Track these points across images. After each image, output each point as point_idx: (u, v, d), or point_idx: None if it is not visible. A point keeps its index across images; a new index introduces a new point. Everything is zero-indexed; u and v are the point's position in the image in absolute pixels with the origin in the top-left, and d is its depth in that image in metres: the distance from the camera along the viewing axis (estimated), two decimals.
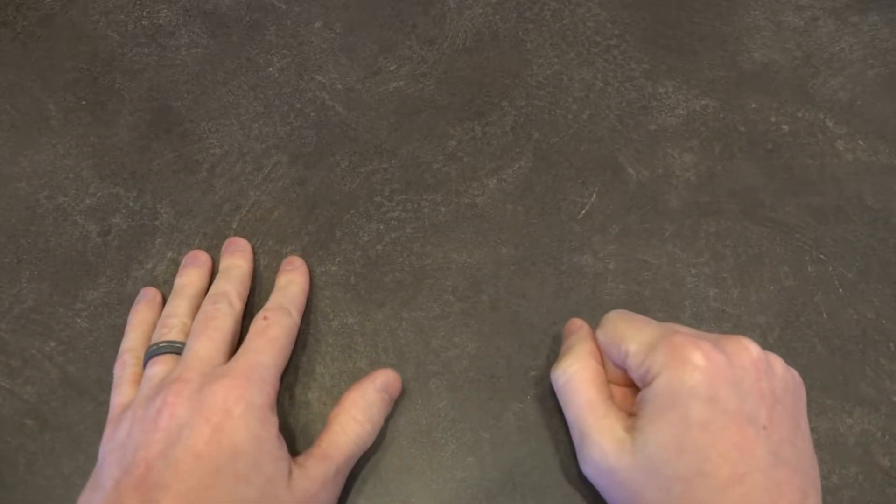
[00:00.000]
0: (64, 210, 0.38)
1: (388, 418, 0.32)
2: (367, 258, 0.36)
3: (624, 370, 0.29)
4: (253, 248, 0.36)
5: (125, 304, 0.35)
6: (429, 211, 0.38)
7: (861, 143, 0.39)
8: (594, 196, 0.38)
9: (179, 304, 0.33)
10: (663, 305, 0.35)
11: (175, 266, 0.36)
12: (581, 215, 0.37)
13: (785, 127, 0.40)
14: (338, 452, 0.29)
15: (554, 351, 0.34)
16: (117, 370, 0.32)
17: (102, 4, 0.45)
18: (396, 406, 0.33)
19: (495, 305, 0.35)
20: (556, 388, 0.30)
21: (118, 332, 0.34)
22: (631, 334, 0.28)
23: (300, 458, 0.28)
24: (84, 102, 0.41)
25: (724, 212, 0.37)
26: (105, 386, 0.33)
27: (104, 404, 0.33)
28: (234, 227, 0.37)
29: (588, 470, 0.28)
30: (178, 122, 0.41)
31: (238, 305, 0.33)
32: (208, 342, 0.30)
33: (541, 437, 0.32)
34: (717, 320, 0.34)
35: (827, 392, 0.33)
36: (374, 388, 0.31)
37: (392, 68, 0.42)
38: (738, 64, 0.42)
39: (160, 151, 0.40)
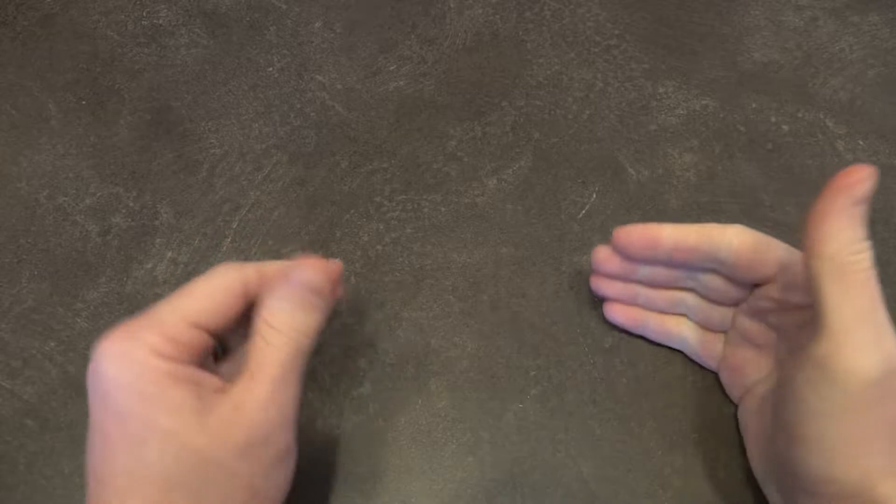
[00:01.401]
0: (64, 210, 0.38)
1: (388, 418, 0.32)
2: (367, 258, 0.36)
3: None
4: (252, 248, 0.36)
5: (125, 304, 0.35)
6: (429, 211, 0.38)
7: (861, 143, 0.39)
8: (594, 196, 0.38)
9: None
10: None
11: (175, 266, 0.36)
12: (581, 215, 0.37)
13: (785, 127, 0.40)
14: (263, 368, 0.24)
15: (554, 351, 0.34)
16: None
17: (102, 4, 0.45)
18: (396, 406, 0.33)
19: (495, 305, 0.35)
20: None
21: None
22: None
23: (227, 386, 0.24)
24: (84, 102, 0.41)
25: (724, 212, 0.37)
26: None
27: None
28: (234, 226, 0.37)
29: (870, 362, 0.22)
30: (178, 122, 0.41)
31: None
32: None
33: (541, 437, 0.32)
34: None
35: None
36: (289, 286, 0.25)
37: (392, 68, 0.42)
38: (738, 64, 0.42)
39: (160, 151, 0.40)
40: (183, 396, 0.22)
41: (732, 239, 0.28)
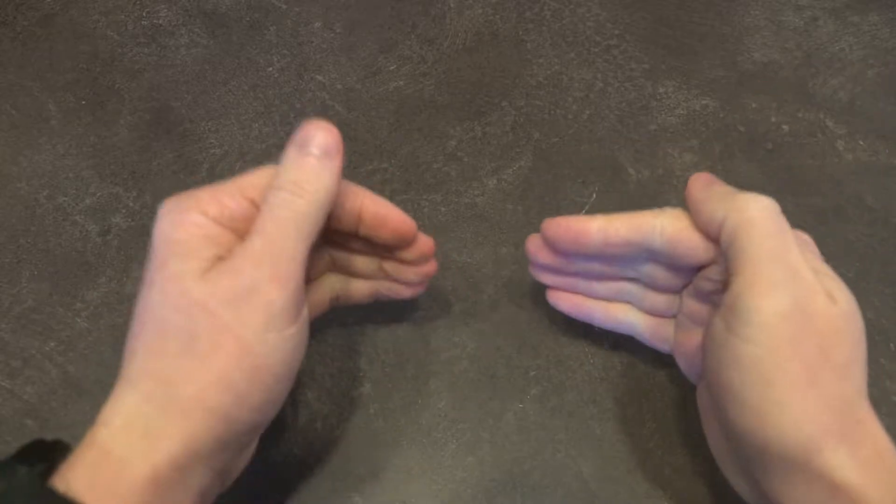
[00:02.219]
0: (64, 210, 0.38)
1: (388, 418, 0.32)
2: None
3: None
4: None
5: (125, 303, 0.35)
6: (429, 211, 0.38)
7: (861, 143, 0.39)
8: (594, 196, 0.38)
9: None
10: None
11: None
12: (581, 215, 0.37)
13: (785, 127, 0.40)
14: (260, 224, 0.24)
15: (554, 351, 0.34)
16: None
17: (102, 4, 0.45)
18: (396, 406, 0.32)
19: (495, 305, 0.35)
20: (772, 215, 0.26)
21: (118, 332, 0.34)
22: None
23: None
24: (84, 102, 0.41)
25: None
26: (105, 386, 0.33)
27: (104, 404, 0.33)
28: None
29: (783, 299, 0.23)
30: (178, 122, 0.41)
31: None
32: None
33: (541, 437, 0.32)
34: None
35: None
36: (295, 151, 0.25)
37: (392, 68, 0.42)
38: (738, 64, 0.42)
39: (160, 151, 0.40)
40: (199, 248, 0.23)
41: (665, 227, 0.27)
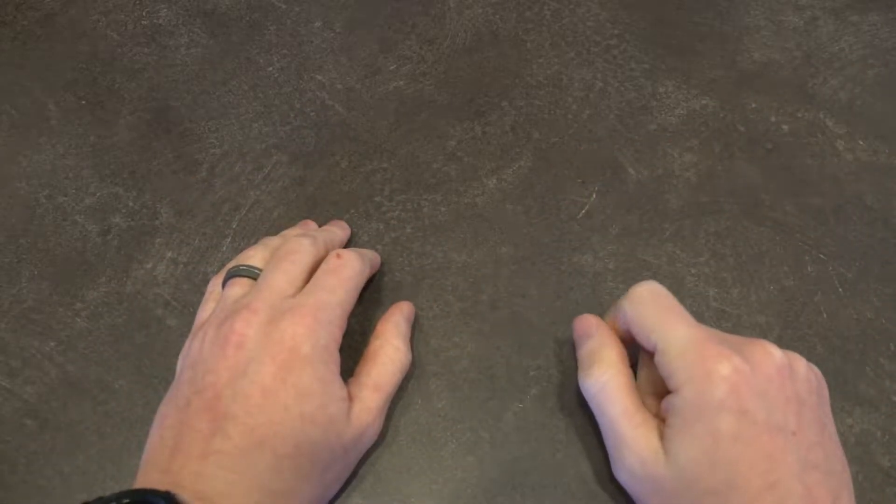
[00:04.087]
0: (64, 210, 0.38)
1: (388, 418, 0.32)
2: None
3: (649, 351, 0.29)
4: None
5: (125, 303, 0.35)
6: (429, 211, 0.38)
7: (861, 143, 0.39)
8: (594, 196, 0.38)
9: (272, 240, 0.34)
10: None
11: (175, 266, 0.36)
12: (581, 215, 0.37)
13: (785, 127, 0.40)
14: (388, 382, 0.31)
15: (554, 351, 0.34)
16: (210, 286, 0.33)
17: (102, 4, 0.45)
18: (396, 406, 0.33)
19: (495, 305, 0.35)
20: (587, 396, 0.30)
21: (118, 332, 0.34)
22: (660, 330, 0.27)
23: (353, 390, 0.29)
24: (84, 102, 0.41)
25: (724, 212, 0.37)
26: (105, 386, 0.33)
27: (104, 404, 0.33)
28: (234, 226, 0.37)
29: (623, 477, 0.28)
30: (178, 122, 0.41)
31: (321, 248, 0.32)
32: (283, 274, 0.30)
33: (541, 437, 0.32)
34: (717, 320, 0.34)
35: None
36: (403, 318, 0.33)
37: (392, 68, 0.42)
38: (738, 64, 0.42)
39: (160, 151, 0.40)
40: (342, 387, 0.28)
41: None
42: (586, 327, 0.31)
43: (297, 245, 0.31)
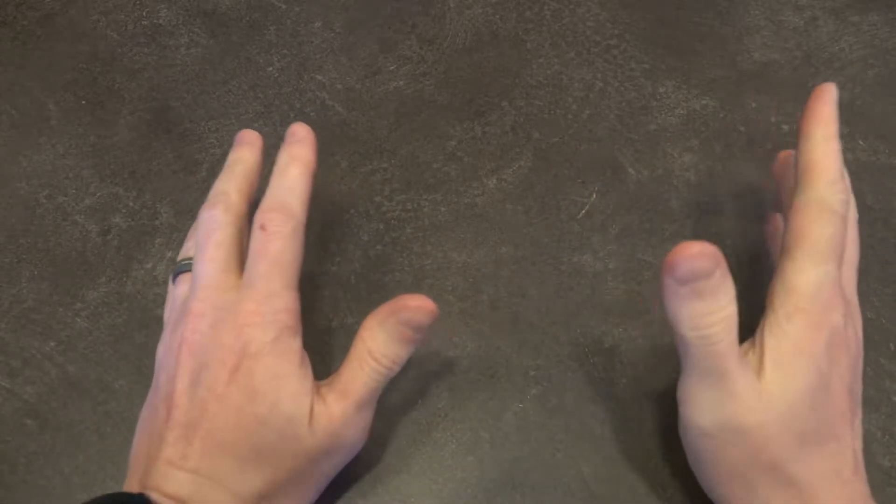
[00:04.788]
0: (64, 210, 0.38)
1: (388, 418, 0.32)
2: (367, 258, 0.36)
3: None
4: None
5: (125, 303, 0.35)
6: (429, 211, 0.38)
7: (861, 143, 0.39)
8: (594, 196, 0.38)
9: (224, 182, 0.31)
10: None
11: (175, 265, 0.36)
12: (581, 215, 0.37)
13: (785, 127, 0.40)
14: (356, 390, 0.27)
15: (554, 351, 0.34)
16: (180, 256, 0.32)
17: (102, 4, 0.45)
18: (396, 406, 0.33)
19: (495, 305, 0.35)
20: (681, 330, 0.26)
21: (118, 332, 0.34)
22: (812, 238, 0.26)
23: (323, 389, 0.28)
24: (84, 102, 0.41)
25: (724, 212, 0.37)
26: (105, 386, 0.33)
27: (104, 404, 0.33)
28: None
29: (706, 423, 0.26)
30: (178, 122, 0.41)
31: (239, 207, 0.30)
32: (212, 264, 0.28)
33: (541, 437, 0.32)
34: None
35: None
36: (395, 320, 0.27)
37: (392, 68, 0.42)
38: (738, 64, 0.42)
39: (160, 151, 0.40)
40: (303, 383, 0.27)
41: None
42: (705, 264, 0.24)
43: (211, 222, 0.29)
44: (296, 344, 0.27)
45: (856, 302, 0.29)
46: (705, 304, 0.25)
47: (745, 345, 0.27)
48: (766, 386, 0.25)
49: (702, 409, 0.26)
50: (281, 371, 0.26)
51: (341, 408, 0.27)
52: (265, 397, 0.26)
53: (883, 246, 0.36)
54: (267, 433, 0.26)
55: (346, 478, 0.31)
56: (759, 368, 0.25)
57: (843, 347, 0.26)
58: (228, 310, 0.27)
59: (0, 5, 0.45)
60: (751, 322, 0.35)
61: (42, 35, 0.44)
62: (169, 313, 0.31)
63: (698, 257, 0.24)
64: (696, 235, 0.36)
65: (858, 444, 0.27)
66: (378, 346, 0.27)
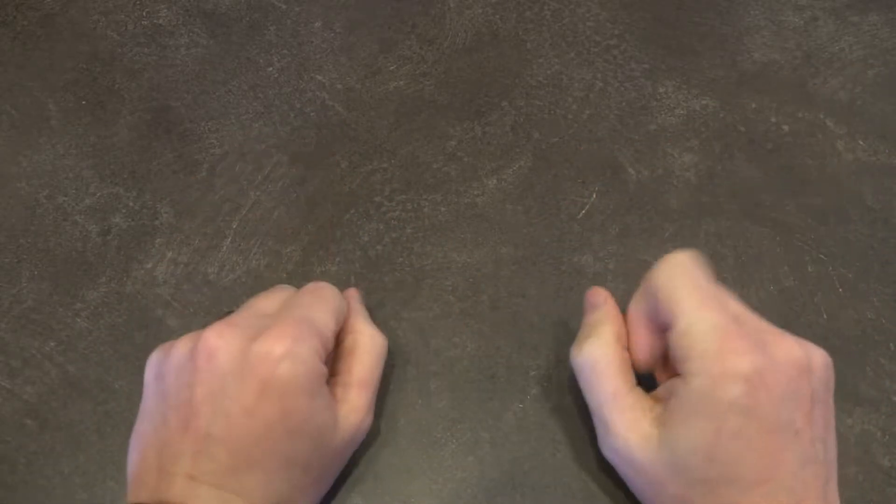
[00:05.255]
0: (64, 210, 0.38)
1: (388, 418, 0.32)
2: (367, 258, 0.36)
3: (659, 324, 0.27)
4: (252, 248, 0.36)
5: (125, 303, 0.35)
6: (429, 211, 0.38)
7: (861, 143, 0.39)
8: (594, 196, 0.38)
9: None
10: None
11: (175, 266, 0.36)
12: (581, 215, 0.37)
13: (785, 127, 0.40)
14: (372, 376, 0.30)
15: (554, 351, 0.34)
16: None
17: (102, 4, 0.45)
18: (396, 406, 0.33)
19: (495, 305, 0.35)
20: (575, 369, 0.29)
21: (118, 332, 0.34)
22: (685, 307, 0.26)
23: (338, 392, 0.29)
24: (84, 102, 0.41)
25: (724, 212, 0.37)
26: (105, 386, 0.33)
27: (104, 404, 0.33)
28: (234, 226, 0.37)
29: (609, 455, 0.28)
30: (178, 122, 0.41)
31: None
32: (266, 300, 0.30)
33: (541, 437, 0.32)
34: None
35: None
36: (359, 303, 0.32)
37: (392, 68, 0.42)
38: (738, 64, 0.42)
39: (160, 151, 0.40)
40: (329, 396, 0.28)
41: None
42: (594, 298, 0.30)
43: (285, 288, 0.32)
44: (324, 368, 0.27)
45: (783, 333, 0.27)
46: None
47: (659, 389, 0.27)
48: (664, 432, 0.26)
49: (599, 440, 0.29)
50: (312, 390, 0.26)
51: (366, 399, 0.29)
52: (298, 413, 0.26)
53: (883, 246, 0.36)
54: (301, 445, 0.26)
55: (346, 478, 0.31)
56: (658, 416, 0.26)
57: (765, 393, 0.24)
58: (264, 326, 0.27)
59: (0, 5, 0.45)
60: None
61: (42, 35, 0.44)
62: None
63: (593, 292, 0.30)
64: (696, 235, 0.36)
65: (808, 471, 0.24)
66: (370, 328, 0.31)
